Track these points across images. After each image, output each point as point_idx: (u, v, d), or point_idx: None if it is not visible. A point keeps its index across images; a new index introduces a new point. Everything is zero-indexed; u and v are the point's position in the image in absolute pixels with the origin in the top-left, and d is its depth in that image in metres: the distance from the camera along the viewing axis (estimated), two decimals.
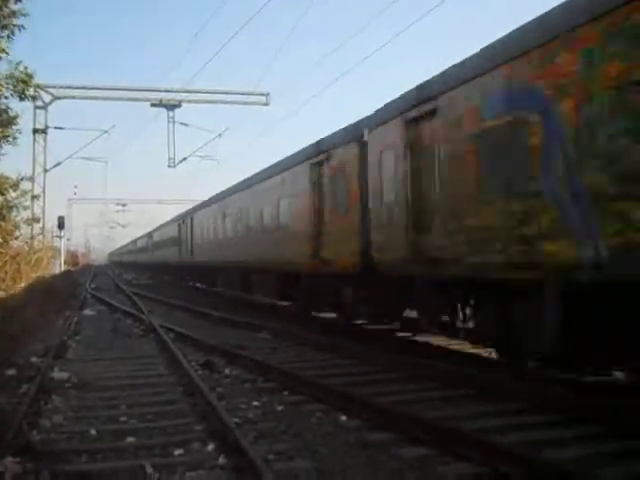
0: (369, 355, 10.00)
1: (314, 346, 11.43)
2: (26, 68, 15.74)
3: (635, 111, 5.69)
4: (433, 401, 7.23)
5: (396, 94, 10.15)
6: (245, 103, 34.59)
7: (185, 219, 32.58)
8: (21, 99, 16.31)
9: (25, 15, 15.26)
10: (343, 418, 6.57)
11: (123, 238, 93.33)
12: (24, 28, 15.22)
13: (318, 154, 13.42)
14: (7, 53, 14.85)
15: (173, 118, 33.88)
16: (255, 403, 7.36)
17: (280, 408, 7.11)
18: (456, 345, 10.83)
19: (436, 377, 8.22)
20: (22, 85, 15.73)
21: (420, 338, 11.82)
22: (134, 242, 67.84)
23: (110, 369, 9.86)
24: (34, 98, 29.56)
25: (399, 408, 6.48)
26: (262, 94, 34.31)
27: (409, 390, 7.81)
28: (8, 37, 15.02)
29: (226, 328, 15.09)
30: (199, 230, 28.16)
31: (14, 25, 14.95)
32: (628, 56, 5.80)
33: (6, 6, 14.92)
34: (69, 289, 21.06)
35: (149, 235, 51.65)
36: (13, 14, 15.01)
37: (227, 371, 9.39)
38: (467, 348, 10.26)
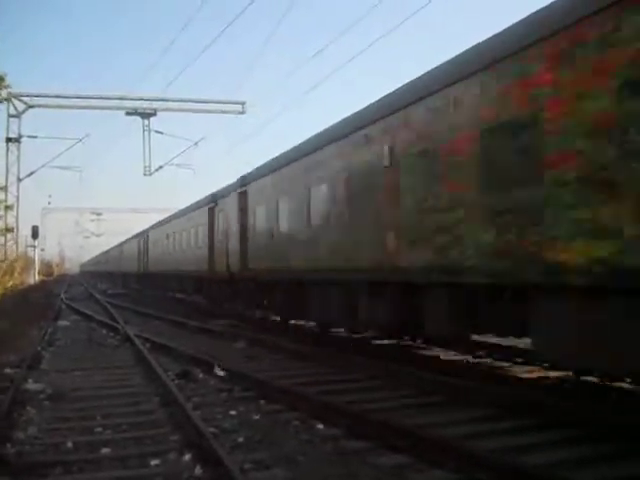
0: (343, 362, 10.06)
1: (289, 355, 11.47)
2: None
3: None
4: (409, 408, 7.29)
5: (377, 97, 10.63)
6: (221, 112, 34.56)
7: (143, 236, 38.78)
8: None
9: None
10: (320, 426, 6.60)
11: (98, 247, 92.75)
12: None
13: (210, 202, 21.02)
14: None
15: (149, 127, 33.72)
16: (232, 412, 7.35)
17: (257, 417, 7.11)
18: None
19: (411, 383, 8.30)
20: None
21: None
22: (104, 253, 73.22)
23: (85, 380, 9.79)
24: (8, 103, 29.29)
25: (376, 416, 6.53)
26: (238, 103, 34.30)
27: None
28: None
29: (202, 337, 15.08)
30: (152, 246, 35.26)
31: None
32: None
33: None
34: (43, 299, 20.84)
35: (117, 247, 57.26)
36: None
37: (203, 381, 9.37)
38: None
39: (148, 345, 12.98)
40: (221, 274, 19.35)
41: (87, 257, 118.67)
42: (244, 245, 16.73)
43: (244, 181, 17.09)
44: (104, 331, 16.86)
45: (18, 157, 33.14)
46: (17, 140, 32.96)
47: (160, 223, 33.94)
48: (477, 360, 10.66)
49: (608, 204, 5.70)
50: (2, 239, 25.80)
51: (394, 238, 9.18)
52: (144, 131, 33.71)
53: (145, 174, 34.45)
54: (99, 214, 73.61)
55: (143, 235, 39.05)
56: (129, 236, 48.50)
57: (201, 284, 23.55)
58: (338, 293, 11.61)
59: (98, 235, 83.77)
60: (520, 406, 6.76)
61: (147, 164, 34.41)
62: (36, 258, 37.21)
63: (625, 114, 5.59)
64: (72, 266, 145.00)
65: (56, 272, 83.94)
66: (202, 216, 21.85)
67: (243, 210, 16.80)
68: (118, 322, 17.85)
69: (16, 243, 25.04)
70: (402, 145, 9.11)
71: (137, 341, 13.21)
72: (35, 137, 34.56)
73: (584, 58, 5.99)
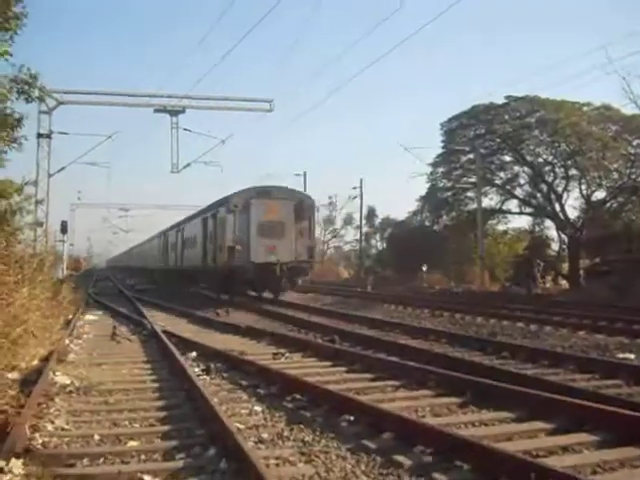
0: (371, 362, 10.08)
1: (316, 352, 11.51)
2: (30, 70, 15.72)
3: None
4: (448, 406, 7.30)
5: None
6: (249, 110, 34.65)
7: (163, 235, 43.90)
8: (27, 101, 16.31)
9: (25, 16, 15.26)
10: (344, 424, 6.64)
11: (126, 243, 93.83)
12: (24, 27, 15.18)
13: (201, 214, 29.69)
14: (10, 54, 14.81)
15: (177, 124, 33.87)
16: (257, 408, 7.42)
17: (282, 413, 7.17)
18: None
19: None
20: (27, 87, 15.75)
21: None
22: (130, 250, 76.15)
23: (112, 373, 9.94)
24: (40, 99, 29.61)
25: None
26: (266, 100, 34.37)
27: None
28: (11, 39, 14.99)
29: (229, 334, 15.19)
30: (169, 245, 40.31)
31: (15, 28, 14.92)
32: None
33: (9, 9, 14.94)
34: (71, 293, 21.11)
35: (142, 244, 61.51)
36: (15, 16, 15.01)
37: (229, 376, 9.45)
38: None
39: (174, 340, 13.12)
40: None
41: (115, 253, 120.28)
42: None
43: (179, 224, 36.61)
44: (131, 325, 17.05)
45: (49, 153, 33.51)
46: (48, 136, 33.32)
47: (172, 226, 39.97)
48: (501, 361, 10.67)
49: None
50: (32, 234, 26.27)
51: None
52: (172, 128, 33.87)
53: (173, 171, 34.66)
54: (127, 210, 73.93)
55: (163, 234, 43.53)
56: (154, 234, 50.80)
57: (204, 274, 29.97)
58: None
59: (126, 231, 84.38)
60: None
61: (175, 161, 34.62)
62: (65, 253, 37.65)
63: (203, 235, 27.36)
64: (100, 261, 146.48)
65: (84, 267, 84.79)
66: (198, 225, 30.04)
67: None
68: (145, 317, 18.03)
69: (46, 238, 25.46)
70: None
71: (163, 336, 13.34)
72: (66, 133, 34.93)
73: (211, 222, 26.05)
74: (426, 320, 18.43)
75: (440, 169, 44.48)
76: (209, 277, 28.75)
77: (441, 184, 45.11)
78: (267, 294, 26.09)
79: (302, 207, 25.24)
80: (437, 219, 46.63)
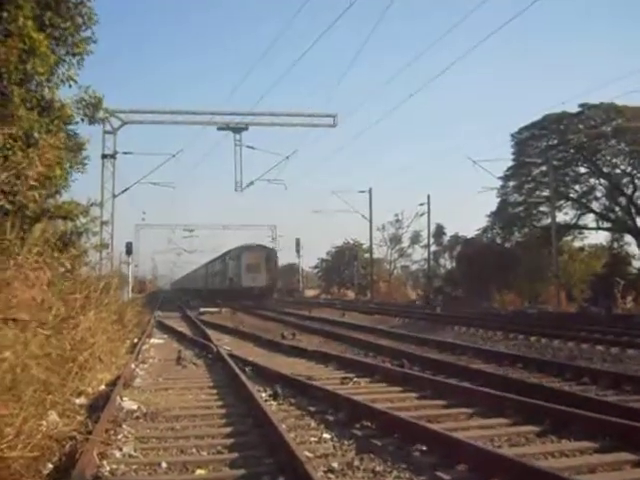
0: (443, 388, 9.95)
1: (384, 377, 11.44)
2: (95, 92, 16.21)
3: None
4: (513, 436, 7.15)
5: None
6: (312, 125, 34.95)
7: (203, 268, 71.65)
8: (91, 123, 16.80)
9: (95, 42, 15.77)
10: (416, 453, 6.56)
11: (190, 264, 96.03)
12: (92, 53, 15.71)
13: (219, 259, 57.42)
14: (76, 81, 15.35)
15: (240, 141, 34.58)
16: (326, 436, 7.41)
17: (351, 441, 7.13)
18: None
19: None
20: (92, 109, 16.24)
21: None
22: (194, 271, 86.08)
23: (178, 399, 10.09)
24: (103, 121, 30.39)
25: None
26: (330, 115, 34.65)
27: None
28: (78, 64, 15.50)
29: (295, 357, 15.24)
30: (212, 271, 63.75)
31: (84, 52, 15.43)
32: None
33: (78, 33, 15.46)
34: (137, 316, 21.58)
35: (195, 270, 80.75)
36: (84, 41, 15.51)
37: (297, 402, 9.47)
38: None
39: (240, 364, 13.24)
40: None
41: (179, 274, 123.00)
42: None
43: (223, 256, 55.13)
44: (196, 349, 17.29)
45: (113, 173, 34.44)
46: (112, 156, 34.22)
47: (207, 262, 68.10)
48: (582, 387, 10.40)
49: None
50: (98, 256, 26.93)
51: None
52: (235, 146, 34.60)
53: (236, 189, 35.25)
54: (191, 230, 75.26)
55: (205, 266, 69.64)
56: (215, 255, 65.13)
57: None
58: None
59: (189, 252, 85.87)
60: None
61: (238, 179, 35.26)
62: (130, 275, 38.41)
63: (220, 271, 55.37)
64: (165, 283, 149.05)
65: (149, 289, 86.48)
66: (220, 264, 55.83)
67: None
68: (210, 340, 18.25)
69: (111, 260, 26.09)
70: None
71: (229, 360, 13.47)
72: (130, 153, 35.84)
73: (222, 264, 56.51)
74: (499, 343, 18.11)
75: (511, 183, 43.91)
76: (224, 294, 48.70)
77: (512, 198, 44.51)
78: (329, 315, 26.26)
79: (269, 256, 51.07)
80: (508, 236, 45.94)
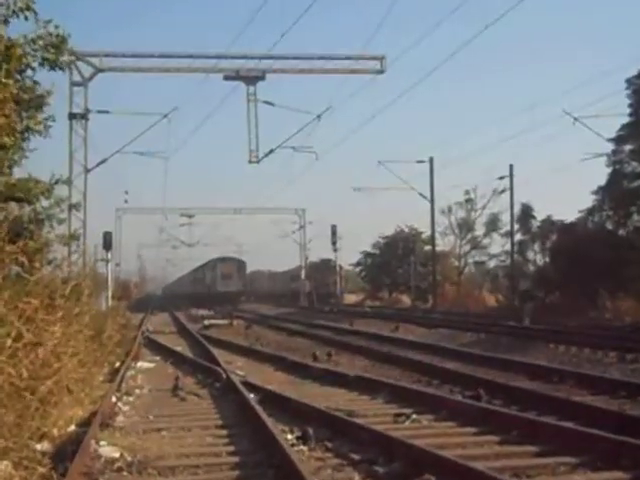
0: (539, 429, 9.85)
1: (454, 414, 11.35)
2: (57, 28, 15.80)
3: None
4: None
5: None
6: (352, 72, 34.62)
7: (192, 273, 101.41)
8: (52, 68, 16.37)
9: None
10: None
11: (191, 262, 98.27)
12: None
13: (200, 268, 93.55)
14: (35, 12, 15.06)
15: (254, 95, 34.22)
16: None
17: None
18: None
19: None
20: (53, 51, 15.88)
21: None
22: (179, 278, 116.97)
23: (175, 443, 10.09)
24: (70, 68, 30.08)
25: None
26: (375, 58, 34.33)
27: None
28: None
29: (332, 386, 15.20)
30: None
31: None
32: None
33: None
34: (118, 331, 21.69)
35: (186, 275, 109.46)
36: None
37: (335, 447, 9.43)
38: None
39: (258, 394, 13.22)
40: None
41: (175, 274, 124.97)
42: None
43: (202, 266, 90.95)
44: (199, 375, 17.35)
45: (85, 139, 34.24)
46: (83, 117, 33.94)
47: (194, 269, 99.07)
48: None
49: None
50: (66, 250, 26.57)
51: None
52: (249, 102, 34.27)
53: (251, 161, 35.04)
54: (191, 216, 75.45)
55: (193, 272, 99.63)
56: (190, 270, 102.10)
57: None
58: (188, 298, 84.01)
59: (190, 245, 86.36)
60: None
61: (253, 147, 35.04)
62: (109, 276, 38.50)
63: (200, 278, 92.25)
64: (156, 287, 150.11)
65: (135, 295, 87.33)
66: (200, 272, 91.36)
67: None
68: (218, 363, 18.29)
69: (83, 256, 26.00)
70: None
71: (243, 389, 13.48)
72: (107, 112, 35.70)
73: (202, 273, 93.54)
74: (613, 367, 17.86)
75: (627, 146, 43.10)
76: (204, 297, 74.92)
77: (629, 168, 43.69)
78: (377, 329, 26.15)
79: (240, 266, 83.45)
80: (624, 219, 45.18)
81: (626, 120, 41.83)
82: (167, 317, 52.70)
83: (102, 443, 9.74)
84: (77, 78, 33.80)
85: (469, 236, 70.49)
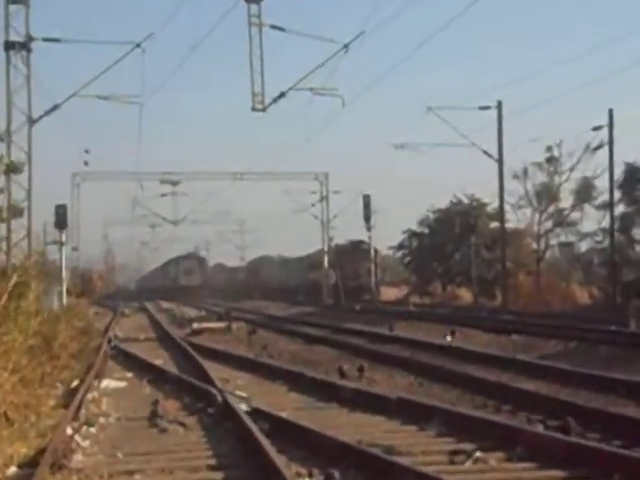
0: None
1: (532, 451, 11.26)
2: None
3: None
4: None
5: None
6: None
7: (164, 266, 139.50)
8: None
9: None
10: None
11: (174, 247, 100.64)
12: None
13: (168, 264, 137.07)
14: None
15: (259, 16, 33.99)
16: None
17: None
18: None
19: None
20: None
21: None
22: (176, 260, 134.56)
23: None
24: None
25: None
26: None
27: None
28: None
29: (365, 412, 15.17)
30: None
31: None
32: None
33: None
34: (76, 339, 21.70)
35: (159, 268, 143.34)
36: None
37: None
38: None
39: (265, 424, 13.19)
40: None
41: (152, 263, 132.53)
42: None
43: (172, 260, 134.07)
44: (186, 398, 17.34)
45: (28, 78, 34.03)
46: (24, 46, 33.68)
47: (165, 263, 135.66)
48: None
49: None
50: (3, 230, 26.14)
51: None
52: (251, 25, 34.05)
53: (255, 108, 34.93)
54: (175, 184, 75.02)
55: (164, 265, 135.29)
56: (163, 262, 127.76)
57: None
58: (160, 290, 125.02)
59: (174, 222, 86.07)
60: None
61: (258, 90, 34.84)
62: (63, 264, 38.48)
63: (168, 273, 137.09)
64: (128, 278, 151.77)
65: (100, 289, 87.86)
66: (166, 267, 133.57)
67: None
68: (211, 381, 18.27)
69: (28, 237, 25.86)
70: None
71: (245, 418, 13.45)
72: (57, 40, 35.51)
73: (168, 268, 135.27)
74: None
75: None
76: (170, 291, 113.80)
77: None
78: (426, 335, 26.51)
79: (201, 262, 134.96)
80: None
81: None
82: (143, 319, 52.89)
83: None
84: None
85: (552, 209, 69.46)
